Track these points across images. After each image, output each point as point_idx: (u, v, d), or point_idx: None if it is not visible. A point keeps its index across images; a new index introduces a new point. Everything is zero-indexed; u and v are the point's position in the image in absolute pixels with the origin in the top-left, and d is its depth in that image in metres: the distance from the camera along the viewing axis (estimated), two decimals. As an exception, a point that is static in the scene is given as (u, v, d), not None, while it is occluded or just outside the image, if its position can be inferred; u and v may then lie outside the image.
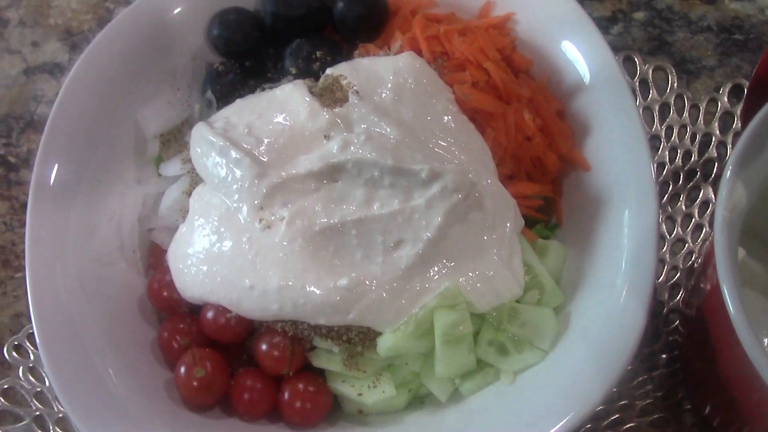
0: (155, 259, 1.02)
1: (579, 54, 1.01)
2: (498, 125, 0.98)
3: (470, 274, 0.90)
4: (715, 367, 0.91)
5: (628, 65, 1.23)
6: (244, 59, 1.07)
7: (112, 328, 0.96)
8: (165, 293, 0.97)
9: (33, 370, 1.10)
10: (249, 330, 0.94)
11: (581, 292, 0.93)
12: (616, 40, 1.25)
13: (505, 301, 0.91)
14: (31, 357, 1.11)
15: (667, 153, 1.17)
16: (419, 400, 0.95)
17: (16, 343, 1.12)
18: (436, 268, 0.90)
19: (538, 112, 1.00)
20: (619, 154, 0.95)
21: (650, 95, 1.21)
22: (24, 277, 0.94)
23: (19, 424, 1.07)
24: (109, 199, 1.03)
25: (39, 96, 1.31)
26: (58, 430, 1.06)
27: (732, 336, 0.75)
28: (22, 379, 1.10)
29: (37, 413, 1.07)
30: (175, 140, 1.07)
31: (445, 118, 0.96)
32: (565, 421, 0.82)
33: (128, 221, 1.02)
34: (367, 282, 0.88)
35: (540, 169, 1.01)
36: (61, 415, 1.07)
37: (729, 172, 0.78)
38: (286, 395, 0.92)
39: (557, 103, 1.02)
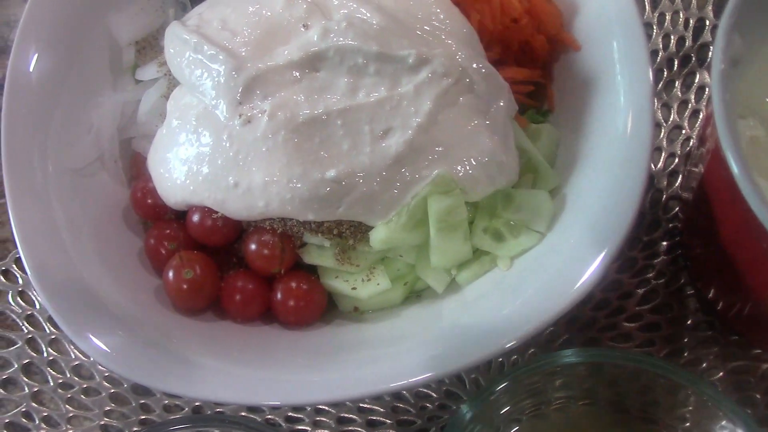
0: (138, 168, 0.99)
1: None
2: (483, 8, 0.94)
3: (463, 160, 0.87)
4: (718, 242, 0.89)
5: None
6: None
7: (97, 240, 0.94)
8: (149, 200, 0.94)
9: (22, 294, 1.08)
10: (237, 231, 0.91)
11: (576, 174, 0.90)
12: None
13: (501, 187, 0.89)
14: (20, 281, 1.09)
15: (660, 40, 1.13)
16: (416, 294, 0.93)
17: (3, 268, 1.10)
18: (427, 156, 0.86)
19: (524, -6, 0.97)
20: (609, 31, 0.91)
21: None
22: (5, 203, 0.91)
23: (12, 348, 1.06)
24: (87, 110, 1.00)
25: (12, 21, 1.26)
26: (51, 351, 1.05)
27: (734, 199, 0.73)
28: (12, 303, 1.08)
29: (30, 336, 1.06)
30: (150, 47, 1.04)
31: (428, 1, 0.92)
32: (563, 301, 0.80)
33: (107, 131, 0.99)
34: (356, 173, 0.85)
35: (529, 53, 0.97)
36: (53, 337, 1.06)
37: (725, 22, 0.75)
38: (279, 295, 0.90)
39: (544, -17, 0.98)
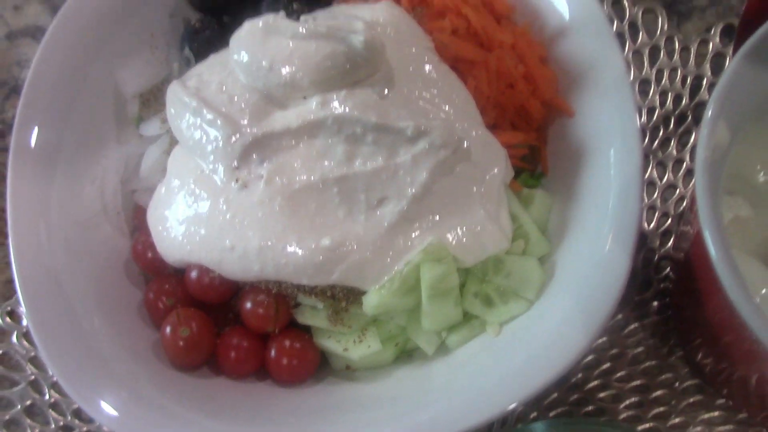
0: (140, 220, 1.01)
1: (561, -2, 0.99)
2: (479, 73, 0.96)
3: (456, 229, 0.89)
4: (704, 313, 0.90)
5: (617, 8, 1.20)
6: (222, 14, 1.05)
7: (98, 291, 0.96)
8: (149, 254, 0.96)
9: (27, 335, 1.10)
10: (234, 289, 0.93)
11: (567, 241, 0.92)
12: (605, -17, 1.22)
13: (492, 254, 0.90)
14: (24, 322, 1.11)
15: (657, 97, 1.14)
16: (407, 354, 0.95)
17: (9, 308, 1.12)
18: (421, 225, 0.89)
19: (520, 59, 0.98)
20: (603, 99, 0.93)
21: (640, 38, 1.18)
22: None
23: (15, 389, 1.08)
24: (91, 162, 1.02)
25: (23, 61, 1.29)
26: (53, 393, 1.08)
27: (716, 281, 0.74)
28: (17, 344, 1.10)
29: (32, 377, 1.08)
30: (155, 99, 1.06)
31: (427, 67, 0.94)
32: (551, 370, 0.81)
33: (111, 183, 1.02)
34: (350, 241, 0.87)
35: (524, 117, 0.99)
36: (56, 379, 1.07)
37: (710, 111, 0.76)
38: (273, 353, 0.92)
39: (540, 48, 0.99)
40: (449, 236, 0.89)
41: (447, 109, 0.92)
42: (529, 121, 0.99)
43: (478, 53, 0.96)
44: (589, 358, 1.02)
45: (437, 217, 0.89)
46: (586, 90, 0.95)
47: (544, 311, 0.88)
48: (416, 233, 0.88)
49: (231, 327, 0.94)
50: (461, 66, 0.97)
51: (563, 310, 0.85)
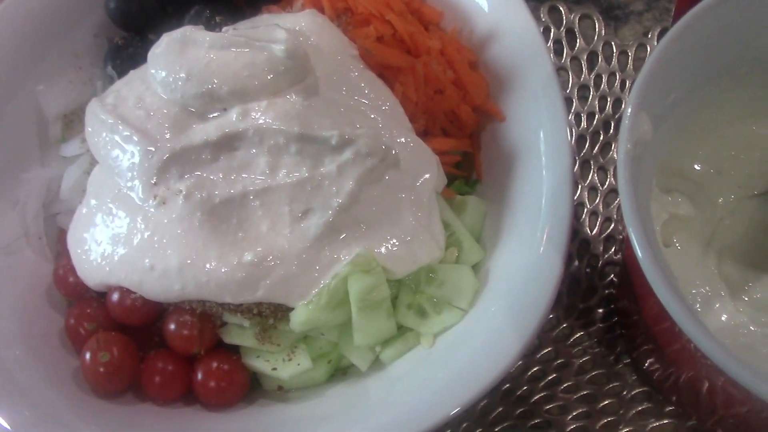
0: (63, 244, 0.97)
1: (489, 3, 0.97)
2: (406, 79, 0.93)
3: (386, 239, 0.86)
4: (645, 317, 0.88)
5: (554, 15, 1.19)
6: (145, 31, 1.02)
7: (20, 319, 0.92)
8: (71, 279, 0.92)
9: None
10: (158, 311, 0.89)
11: (501, 247, 0.89)
12: (541, -11, 1.21)
13: (424, 264, 0.87)
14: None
15: (597, 102, 1.13)
16: (341, 371, 0.91)
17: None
18: (348, 236, 0.85)
19: (449, 64, 0.96)
20: (532, 103, 0.91)
21: (578, 44, 1.17)
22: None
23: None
24: (13, 186, 0.99)
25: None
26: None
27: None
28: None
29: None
30: (78, 120, 1.02)
31: (352, 75, 0.92)
32: (483, 380, 0.78)
33: (33, 207, 0.98)
34: (274, 256, 0.83)
35: (456, 123, 0.97)
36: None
37: (631, 105, 0.74)
38: (200, 375, 0.88)
39: (469, 54, 0.97)
40: (378, 247, 0.86)
41: (373, 116, 0.90)
42: (461, 128, 0.97)
43: (404, 59, 0.94)
44: (535, 369, 0.98)
45: (365, 228, 0.86)
46: (516, 94, 0.94)
47: (478, 320, 0.85)
48: (344, 245, 0.85)
49: (156, 350, 0.90)
50: (388, 73, 0.95)
51: (497, 317, 0.82)
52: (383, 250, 0.86)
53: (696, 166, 0.94)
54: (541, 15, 1.18)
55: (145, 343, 0.91)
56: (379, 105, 0.91)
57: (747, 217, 0.93)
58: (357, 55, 0.94)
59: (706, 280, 0.91)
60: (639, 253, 0.69)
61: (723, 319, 0.88)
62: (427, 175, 0.89)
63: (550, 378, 0.98)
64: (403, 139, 0.89)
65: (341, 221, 0.85)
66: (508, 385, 0.98)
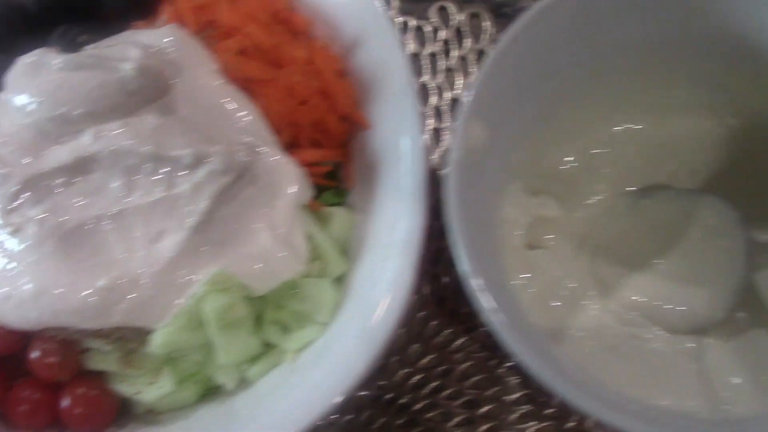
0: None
1: (354, 9, 0.96)
2: (268, 92, 0.92)
3: (245, 256, 0.85)
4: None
5: (443, 15, 1.18)
6: (11, 53, 1.01)
7: None
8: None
9: None
10: (24, 338, 0.88)
11: (365, 258, 0.88)
12: (427, -10, 1.20)
13: (286, 279, 0.86)
14: None
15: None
16: (212, 390, 0.90)
17: None
18: (205, 255, 0.84)
19: (316, 74, 0.95)
20: (391, 108, 0.90)
21: (469, 44, 1.16)
22: None
23: None
24: None
25: None
26: None
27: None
28: None
29: None
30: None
31: (210, 90, 0.91)
32: (333, 397, 0.77)
33: None
34: (128, 280, 0.82)
35: (324, 133, 0.95)
36: None
37: (462, 114, 0.74)
38: (67, 402, 0.87)
39: (336, 62, 0.96)
40: (237, 265, 0.85)
41: (231, 132, 0.88)
42: (330, 137, 0.96)
43: (265, 71, 0.93)
44: (417, 377, 0.98)
45: (223, 246, 0.85)
46: (378, 101, 0.93)
47: (336, 334, 0.84)
48: (201, 265, 0.84)
49: (23, 379, 0.89)
50: (253, 86, 0.93)
51: (352, 331, 0.82)
52: (242, 267, 0.85)
53: (565, 166, 0.93)
54: (429, 15, 1.17)
55: (14, 372, 0.90)
56: (238, 119, 0.90)
57: (621, 216, 0.93)
58: (216, 69, 0.92)
59: (577, 279, 0.90)
60: (464, 267, 0.69)
61: (591, 317, 0.88)
62: (288, 189, 0.88)
63: (432, 385, 0.97)
64: (263, 154, 0.88)
65: (197, 241, 0.84)
66: (391, 395, 0.97)
